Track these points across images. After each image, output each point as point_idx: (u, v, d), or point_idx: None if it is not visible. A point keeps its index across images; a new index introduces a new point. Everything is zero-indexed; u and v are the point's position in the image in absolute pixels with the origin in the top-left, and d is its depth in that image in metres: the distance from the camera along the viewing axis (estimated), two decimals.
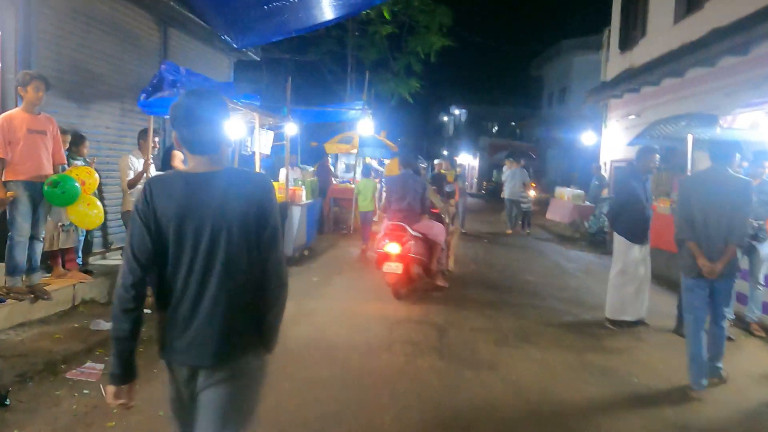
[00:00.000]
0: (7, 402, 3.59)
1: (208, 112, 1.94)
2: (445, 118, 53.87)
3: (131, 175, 6.19)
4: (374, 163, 16.68)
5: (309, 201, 9.91)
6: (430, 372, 4.60)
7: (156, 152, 6.72)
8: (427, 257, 6.89)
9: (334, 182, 13.55)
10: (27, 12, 5.51)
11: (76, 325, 5.11)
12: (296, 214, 8.75)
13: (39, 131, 4.80)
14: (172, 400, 2.08)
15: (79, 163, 5.75)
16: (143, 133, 6.23)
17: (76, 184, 4.86)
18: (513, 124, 44.26)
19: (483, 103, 44.55)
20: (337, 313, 6.22)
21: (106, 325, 5.14)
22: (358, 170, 13.83)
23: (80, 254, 6.12)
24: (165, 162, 6.76)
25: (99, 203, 5.24)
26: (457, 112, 48.94)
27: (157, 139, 6.56)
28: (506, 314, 6.41)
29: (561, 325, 6.12)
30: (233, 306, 1.95)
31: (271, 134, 8.77)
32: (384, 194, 8.16)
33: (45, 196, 4.75)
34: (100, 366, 4.32)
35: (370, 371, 4.58)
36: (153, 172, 6.24)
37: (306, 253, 9.85)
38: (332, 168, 14.64)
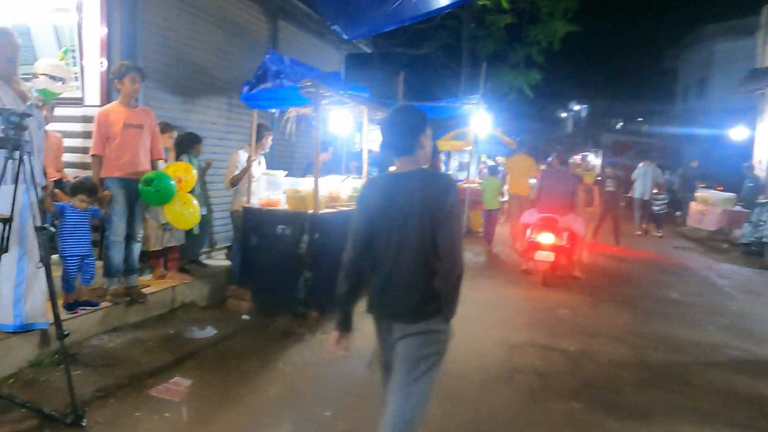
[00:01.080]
0: (84, 422, 3.24)
1: (404, 122, 2.42)
2: (563, 115, 51.12)
3: (236, 173, 5.86)
4: (489, 162, 15.73)
5: None
6: (563, 417, 3.73)
7: (268, 149, 6.37)
8: (572, 249, 7.51)
9: None
10: (133, 3, 5.32)
11: (171, 332, 4.81)
12: None
13: (136, 125, 4.53)
14: (378, 347, 2.70)
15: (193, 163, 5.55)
16: (264, 130, 5.94)
17: (172, 182, 4.54)
18: (640, 120, 40.81)
19: (606, 97, 41.54)
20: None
21: (200, 334, 4.79)
22: (473, 169, 12.97)
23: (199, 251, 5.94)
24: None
25: (195, 202, 4.91)
26: (577, 107, 46.14)
27: (270, 138, 6.18)
28: (652, 344, 5.30)
29: (728, 363, 4.92)
30: (420, 278, 2.39)
31: (377, 130, 8.20)
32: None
33: (140, 194, 4.47)
34: (187, 382, 3.92)
35: (489, 412, 3.79)
36: (257, 171, 5.87)
37: None
38: (444, 166, 13.87)
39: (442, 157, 14.20)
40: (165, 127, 5.29)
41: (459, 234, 2.40)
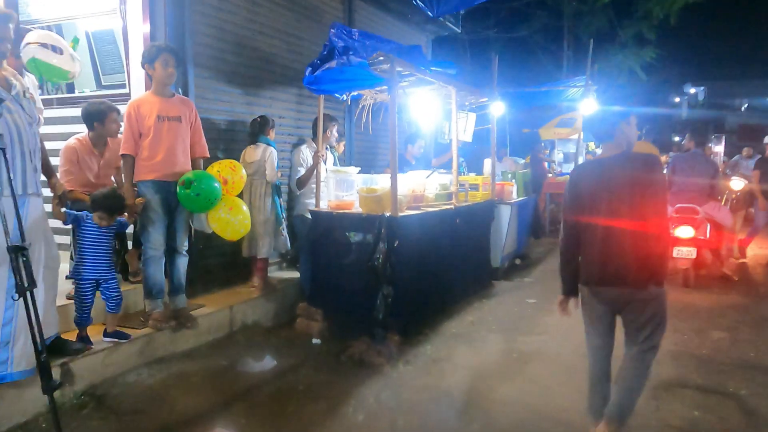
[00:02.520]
0: None
1: (605, 112, 3.15)
2: (677, 99, 46.65)
3: (301, 172, 5.02)
4: (598, 151, 14.02)
5: (521, 198, 8.01)
6: None
7: (334, 142, 5.49)
8: (717, 242, 6.78)
9: (550, 175, 11.36)
10: None
11: (223, 363, 4.03)
12: (505, 214, 6.94)
13: (172, 118, 3.79)
14: (593, 318, 2.97)
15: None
16: (327, 121, 5.08)
17: (215, 184, 3.76)
18: None
19: (728, 77, 37.19)
20: (567, 361, 4.29)
21: (257, 366, 3.97)
22: (580, 160, 11.43)
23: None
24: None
25: (245, 207, 4.11)
26: (692, 90, 41.86)
27: (335, 129, 5.31)
28: None
29: None
30: (637, 248, 2.67)
31: (472, 117, 7.10)
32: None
33: (178, 198, 3.72)
34: None
35: None
36: (325, 169, 5.00)
37: (518, 262, 7.98)
38: (548, 159, 12.41)
39: (545, 150, 12.68)
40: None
41: (665, 206, 2.86)
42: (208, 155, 4.12)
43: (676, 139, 36.90)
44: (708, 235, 6.47)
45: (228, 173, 3.96)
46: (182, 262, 4.04)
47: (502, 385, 3.82)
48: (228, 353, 4.20)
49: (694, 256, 6.29)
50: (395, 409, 3.49)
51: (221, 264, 5.18)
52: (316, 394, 3.65)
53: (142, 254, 3.89)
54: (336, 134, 5.20)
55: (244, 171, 4.21)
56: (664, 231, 2.79)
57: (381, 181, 4.63)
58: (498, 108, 6.92)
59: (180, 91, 4.51)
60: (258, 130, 4.94)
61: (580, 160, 12.03)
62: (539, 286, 6.75)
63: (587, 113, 10.64)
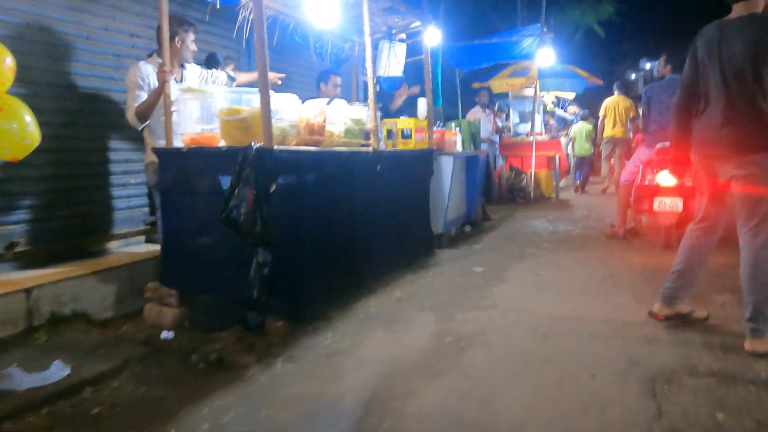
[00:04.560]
0: None
1: None
2: (633, 76, 46.39)
3: (141, 97, 3.55)
4: (558, 111, 12.82)
5: (468, 152, 6.70)
6: None
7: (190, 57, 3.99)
8: None
9: (505, 135, 10.11)
10: None
11: None
12: (446, 167, 5.60)
13: None
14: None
15: None
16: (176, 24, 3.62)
17: None
18: None
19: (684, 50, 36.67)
20: (520, 344, 2.99)
21: (35, 380, 2.52)
22: (538, 119, 10.25)
23: None
24: None
25: (26, 114, 2.67)
26: (648, 66, 41.55)
27: (192, 36, 3.81)
28: None
29: None
30: (754, 113, 2.69)
31: (401, 48, 5.72)
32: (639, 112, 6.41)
33: None
34: None
35: None
36: (174, 87, 3.52)
37: (467, 229, 6.67)
38: (501, 121, 11.14)
39: (501, 113, 11.43)
40: None
41: None
42: None
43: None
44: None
45: None
46: None
47: (423, 387, 2.49)
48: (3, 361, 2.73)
49: (680, 208, 4.94)
50: None
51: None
52: (118, 421, 2.24)
53: None
54: (194, 45, 3.73)
55: (10, 59, 2.74)
56: None
57: (256, 101, 3.21)
58: (433, 36, 5.56)
59: None
60: None
61: (537, 119, 10.88)
62: (490, 252, 5.46)
63: (544, 64, 9.49)
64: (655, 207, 5.03)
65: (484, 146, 7.79)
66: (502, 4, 14.95)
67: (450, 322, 3.35)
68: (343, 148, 3.96)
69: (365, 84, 5.86)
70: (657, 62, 5.82)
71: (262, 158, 2.99)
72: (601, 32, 15.10)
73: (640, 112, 6.65)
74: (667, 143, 5.25)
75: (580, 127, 10.94)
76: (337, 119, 4.02)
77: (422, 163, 5.28)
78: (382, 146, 5.07)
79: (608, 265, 4.72)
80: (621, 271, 4.53)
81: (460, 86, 10.31)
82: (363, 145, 4.28)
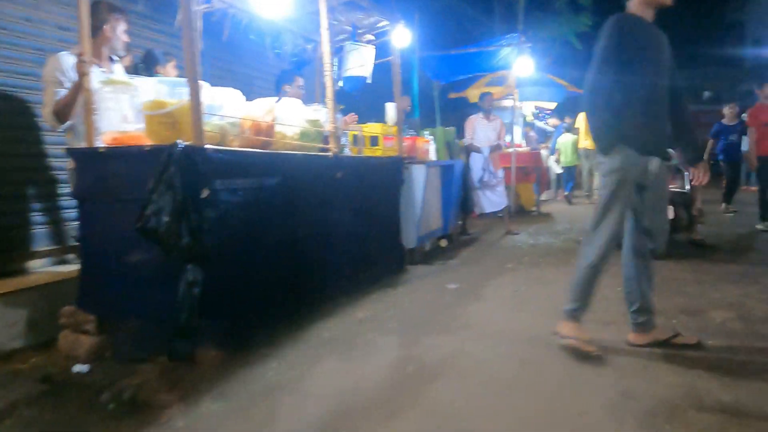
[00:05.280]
0: None
1: None
2: None
3: (60, 94, 3.09)
4: (539, 123, 12.55)
5: (444, 161, 6.31)
6: None
7: (121, 47, 3.56)
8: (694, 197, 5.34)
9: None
10: None
11: None
12: (418, 177, 5.18)
13: None
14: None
15: None
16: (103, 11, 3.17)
17: None
18: (701, 86, 35.95)
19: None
20: (496, 371, 2.56)
21: None
22: (517, 131, 9.92)
23: None
24: None
25: None
26: None
27: (121, 26, 3.36)
28: None
29: None
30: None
31: (370, 51, 5.34)
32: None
33: None
34: None
35: None
36: (97, 76, 3.06)
37: (444, 243, 6.24)
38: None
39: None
40: None
41: None
42: None
43: None
44: (689, 187, 5.21)
45: None
46: None
47: (378, 428, 2.04)
48: None
49: (671, 215, 4.85)
50: None
51: None
52: None
53: None
54: (122, 34, 3.28)
55: None
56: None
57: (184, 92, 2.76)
58: (402, 36, 5.18)
59: None
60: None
61: (517, 130, 10.57)
62: (467, 267, 5.03)
63: (522, 73, 9.18)
64: None
65: (478, 156, 7.27)
66: (479, 17, 14.79)
67: (415, 348, 2.90)
68: (298, 152, 3.52)
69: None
70: None
71: (191, 159, 2.54)
72: (579, 45, 14.91)
73: None
74: None
75: (566, 139, 10.93)
76: (290, 120, 3.59)
77: (391, 171, 4.86)
78: (347, 152, 4.66)
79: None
80: (607, 285, 4.11)
81: (439, 99, 9.98)
82: (322, 150, 3.86)
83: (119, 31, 3.23)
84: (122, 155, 2.75)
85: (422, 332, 3.15)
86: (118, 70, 3.33)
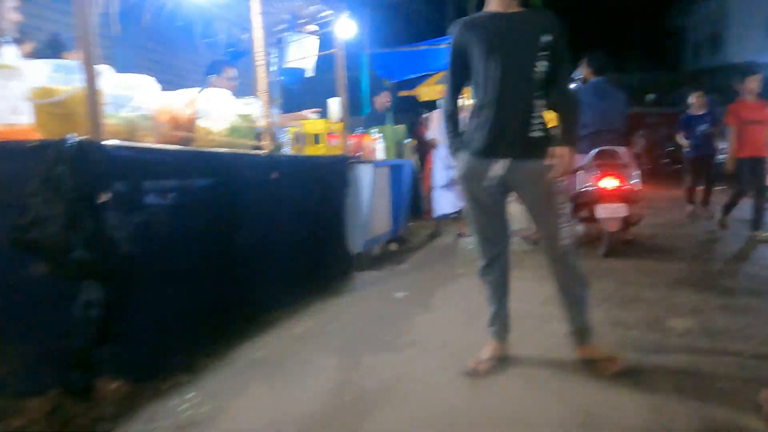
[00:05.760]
0: None
1: None
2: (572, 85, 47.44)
3: None
4: None
5: (393, 161, 6.01)
6: None
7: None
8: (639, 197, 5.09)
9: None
10: None
11: None
12: (365, 178, 4.87)
13: None
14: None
15: None
16: None
17: None
18: (645, 91, 36.96)
19: (607, 70, 37.83)
20: (441, 392, 2.26)
21: None
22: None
23: None
24: None
25: None
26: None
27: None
28: None
29: None
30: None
31: (312, 41, 4.97)
32: None
33: None
34: None
35: None
36: None
37: (393, 247, 5.94)
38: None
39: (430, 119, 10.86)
40: None
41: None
42: None
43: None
44: (637, 185, 4.87)
45: None
46: None
47: None
48: None
49: (625, 213, 4.64)
50: None
51: None
52: None
53: None
54: (12, 13, 2.83)
55: None
56: None
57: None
58: (346, 28, 4.86)
59: None
60: None
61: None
62: (417, 273, 4.74)
63: None
64: (600, 214, 4.66)
65: (442, 154, 6.94)
66: (432, 15, 14.62)
67: (355, 370, 2.58)
68: (226, 150, 3.14)
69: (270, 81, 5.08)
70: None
71: (85, 157, 2.14)
72: None
73: None
74: (607, 147, 4.91)
75: None
76: (218, 114, 3.21)
77: (335, 172, 4.52)
78: (287, 150, 4.31)
79: (547, 284, 4.06)
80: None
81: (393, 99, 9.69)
82: (256, 148, 3.49)
83: (3, 7, 2.79)
84: (1, 152, 2.32)
85: (365, 350, 2.83)
86: (9, 54, 2.87)
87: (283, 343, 2.97)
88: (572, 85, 5.53)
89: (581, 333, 2.45)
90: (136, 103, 2.64)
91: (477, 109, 2.37)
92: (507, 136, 2.29)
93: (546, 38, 2.26)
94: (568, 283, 2.43)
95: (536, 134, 2.30)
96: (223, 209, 2.99)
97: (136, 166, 2.41)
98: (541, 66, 2.26)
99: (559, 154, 2.26)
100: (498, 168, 2.31)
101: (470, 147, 2.37)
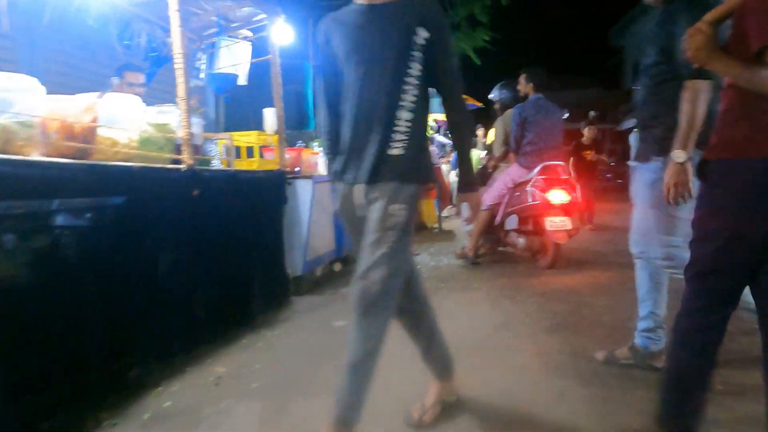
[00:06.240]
0: None
1: None
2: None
3: None
4: (438, 137, 12.32)
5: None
6: None
7: None
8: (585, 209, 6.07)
9: None
10: None
11: None
12: (304, 195, 4.49)
13: None
14: None
15: None
16: None
17: None
18: (589, 105, 38.11)
19: (548, 89, 38.81)
20: None
21: None
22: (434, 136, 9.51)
23: None
24: None
25: None
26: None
27: None
28: None
29: None
30: None
31: (245, 48, 4.58)
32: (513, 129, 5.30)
33: None
34: None
35: None
36: None
37: (337, 267, 5.56)
38: None
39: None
40: None
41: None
42: None
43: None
44: (581, 199, 5.12)
45: None
46: None
47: None
48: None
49: (570, 226, 4.82)
50: None
51: None
52: None
53: None
54: None
55: None
56: None
57: None
58: (282, 33, 4.51)
59: None
60: None
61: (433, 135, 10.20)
62: None
63: None
64: (548, 226, 4.81)
65: None
66: None
67: (282, 421, 2.20)
68: (135, 164, 2.72)
69: (197, 89, 4.66)
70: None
71: None
72: (477, 60, 14.98)
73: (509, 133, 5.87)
74: (553, 162, 4.95)
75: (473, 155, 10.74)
76: (126, 122, 2.78)
77: (270, 188, 4.14)
78: (217, 164, 3.91)
79: (500, 308, 3.83)
80: (515, 314, 3.65)
81: None
82: (174, 162, 3.08)
83: None
84: None
85: (295, 394, 2.45)
86: None
87: (200, 389, 2.56)
88: (514, 107, 5.46)
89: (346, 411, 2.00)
90: (16, 108, 2.20)
91: (341, 131, 1.98)
92: (364, 155, 1.89)
93: (422, 35, 1.84)
94: (362, 336, 2.01)
95: (395, 152, 1.86)
96: (127, 233, 2.56)
97: (6, 184, 1.97)
98: (416, 70, 1.86)
99: (465, 200, 2.01)
100: (359, 195, 1.93)
101: (334, 171, 2.03)
